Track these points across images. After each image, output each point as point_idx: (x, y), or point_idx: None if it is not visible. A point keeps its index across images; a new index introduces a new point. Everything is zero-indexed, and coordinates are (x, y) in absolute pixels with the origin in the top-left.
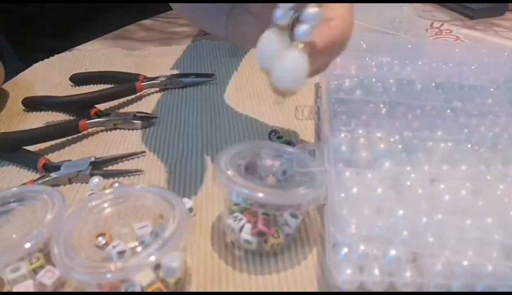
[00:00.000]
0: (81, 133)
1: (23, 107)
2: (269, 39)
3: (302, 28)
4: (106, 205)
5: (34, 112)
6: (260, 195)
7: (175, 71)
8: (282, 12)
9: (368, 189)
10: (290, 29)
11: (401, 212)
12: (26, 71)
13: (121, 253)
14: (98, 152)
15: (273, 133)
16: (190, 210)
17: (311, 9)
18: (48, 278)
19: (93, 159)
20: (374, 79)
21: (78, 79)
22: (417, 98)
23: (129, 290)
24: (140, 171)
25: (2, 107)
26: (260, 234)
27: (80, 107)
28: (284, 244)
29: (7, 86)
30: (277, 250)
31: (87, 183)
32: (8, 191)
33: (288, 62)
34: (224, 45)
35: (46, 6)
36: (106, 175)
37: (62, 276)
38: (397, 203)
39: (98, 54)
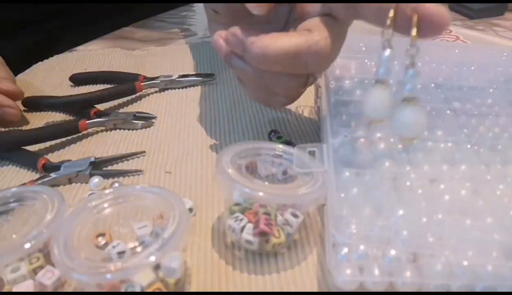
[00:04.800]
0: (81, 133)
1: (23, 107)
2: (378, 95)
3: (407, 87)
4: (106, 205)
5: (34, 112)
6: (261, 194)
7: (175, 71)
8: (384, 69)
9: (368, 189)
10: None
11: (401, 212)
12: (26, 71)
13: (121, 253)
14: (98, 152)
15: (273, 133)
16: (190, 210)
17: (410, 71)
18: (48, 278)
19: (93, 159)
20: (373, 80)
21: (78, 79)
22: None
23: (129, 290)
24: (140, 171)
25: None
26: (262, 234)
27: (80, 107)
28: (285, 244)
29: None
30: (278, 250)
31: (87, 183)
32: (8, 191)
33: (408, 118)
34: None
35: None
36: (106, 175)
37: (62, 276)
38: (397, 203)
39: (98, 54)
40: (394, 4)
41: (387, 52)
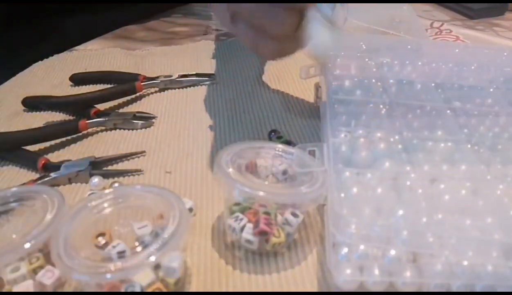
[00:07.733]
0: (81, 133)
1: (23, 107)
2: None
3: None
4: (106, 205)
5: (34, 112)
6: (261, 193)
7: (175, 71)
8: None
9: (368, 189)
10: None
11: (401, 212)
12: (26, 71)
13: (121, 253)
14: (98, 152)
15: (273, 133)
16: (190, 210)
17: None
18: (48, 278)
19: (93, 159)
20: (374, 80)
21: (78, 79)
22: (417, 98)
23: (129, 290)
24: (140, 171)
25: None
26: (262, 234)
27: (80, 107)
28: (285, 243)
29: (7, 86)
30: (278, 250)
31: (87, 182)
32: (8, 191)
33: (315, 36)
34: (224, 45)
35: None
36: (106, 175)
37: (62, 276)
38: (397, 203)
39: (98, 54)
40: None
41: None
